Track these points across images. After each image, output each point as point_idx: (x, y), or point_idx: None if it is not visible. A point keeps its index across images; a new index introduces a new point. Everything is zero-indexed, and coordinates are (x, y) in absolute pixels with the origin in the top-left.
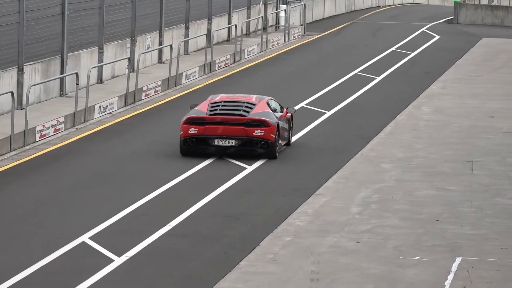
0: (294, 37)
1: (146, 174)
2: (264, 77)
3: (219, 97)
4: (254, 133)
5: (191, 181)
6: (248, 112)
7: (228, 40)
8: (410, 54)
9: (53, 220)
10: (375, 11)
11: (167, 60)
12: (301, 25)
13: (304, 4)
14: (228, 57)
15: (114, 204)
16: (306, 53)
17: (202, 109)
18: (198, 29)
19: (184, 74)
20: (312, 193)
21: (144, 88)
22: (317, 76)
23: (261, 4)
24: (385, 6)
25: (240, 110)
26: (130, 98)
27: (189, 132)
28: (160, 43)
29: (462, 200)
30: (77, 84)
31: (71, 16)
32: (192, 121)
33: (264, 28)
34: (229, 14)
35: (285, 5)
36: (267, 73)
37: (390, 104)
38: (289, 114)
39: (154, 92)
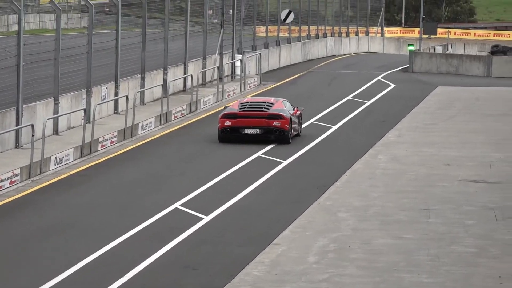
0: (250, 86)
1: (103, 224)
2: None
3: (246, 99)
4: (273, 124)
5: (148, 231)
6: (268, 109)
7: (184, 90)
8: (366, 102)
9: (7, 274)
10: (331, 60)
11: (123, 110)
12: (257, 74)
13: (260, 54)
14: (184, 107)
15: (70, 255)
16: None
17: (234, 107)
18: (154, 79)
19: (140, 124)
20: (269, 243)
21: (100, 139)
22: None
23: (216, 54)
24: (341, 55)
25: (262, 107)
26: (86, 149)
27: (225, 124)
28: (116, 94)
29: (418, 249)
30: (32, 135)
31: (26, 67)
32: (227, 116)
33: (220, 78)
34: (185, 64)
35: (240, 55)
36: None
37: (347, 153)
38: (298, 112)
39: (110, 143)
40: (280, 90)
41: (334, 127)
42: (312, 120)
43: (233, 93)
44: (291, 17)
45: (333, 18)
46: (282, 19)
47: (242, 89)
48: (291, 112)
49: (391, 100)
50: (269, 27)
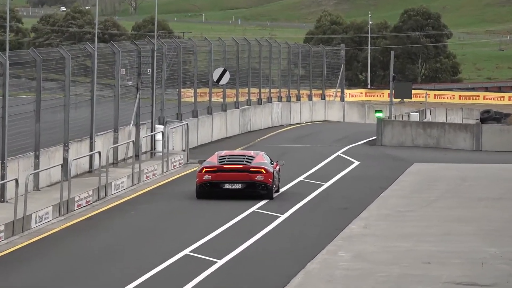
0: (174, 166)
1: None
2: (137, 217)
3: (223, 152)
4: (256, 178)
5: None
6: (250, 162)
7: (90, 171)
8: (323, 185)
9: None
10: (278, 131)
11: (12, 198)
12: (184, 150)
13: (187, 124)
14: (91, 193)
15: None
16: (190, 187)
17: (212, 160)
18: (52, 158)
19: (33, 216)
20: None
21: None
22: (204, 214)
23: (131, 125)
24: (290, 125)
25: (243, 161)
26: None
27: (204, 178)
28: (3, 177)
29: None
30: None
31: None
32: (206, 170)
33: (136, 156)
34: (91, 139)
35: (162, 126)
36: (141, 212)
37: (299, 249)
38: (278, 167)
39: None
40: None
41: (283, 216)
42: (254, 208)
43: (153, 175)
44: (226, 78)
45: (280, 78)
46: (215, 80)
47: (165, 169)
48: (272, 166)
49: (354, 181)
50: (199, 90)
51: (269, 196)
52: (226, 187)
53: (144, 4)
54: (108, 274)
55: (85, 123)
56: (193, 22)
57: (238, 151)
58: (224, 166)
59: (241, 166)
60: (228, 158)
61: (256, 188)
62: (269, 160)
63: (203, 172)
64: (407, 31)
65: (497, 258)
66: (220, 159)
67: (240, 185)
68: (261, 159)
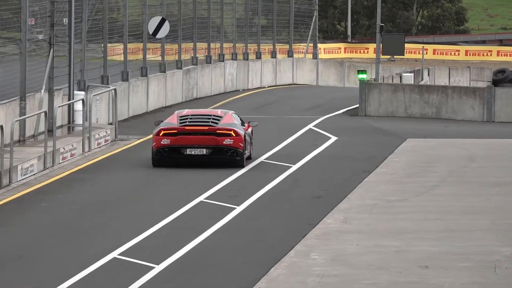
0: (99, 143)
1: None
2: (50, 211)
3: (185, 111)
4: (224, 142)
5: None
6: (216, 123)
7: None
8: (291, 167)
9: None
10: (232, 98)
11: None
12: (111, 124)
13: (115, 90)
14: None
15: None
16: (121, 171)
17: (172, 121)
18: None
19: None
20: None
21: None
22: (140, 207)
23: (43, 91)
24: (247, 90)
25: (208, 121)
26: None
27: (161, 143)
28: None
29: None
30: None
31: None
32: (164, 132)
33: (50, 131)
34: None
35: (83, 92)
36: (55, 204)
37: (260, 250)
38: (250, 128)
39: None
40: (149, 149)
41: (240, 208)
42: (202, 197)
43: (72, 155)
44: (165, 29)
45: (235, 30)
46: (151, 33)
47: (87, 148)
48: (243, 128)
49: (331, 162)
50: (130, 45)
51: (239, 164)
52: (188, 153)
53: None
54: (10, 285)
55: None
56: None
57: (202, 110)
58: (186, 128)
59: (206, 128)
60: (190, 118)
61: (224, 154)
62: (240, 121)
63: (160, 135)
64: None
65: None
66: (181, 120)
67: (205, 150)
68: (230, 119)
